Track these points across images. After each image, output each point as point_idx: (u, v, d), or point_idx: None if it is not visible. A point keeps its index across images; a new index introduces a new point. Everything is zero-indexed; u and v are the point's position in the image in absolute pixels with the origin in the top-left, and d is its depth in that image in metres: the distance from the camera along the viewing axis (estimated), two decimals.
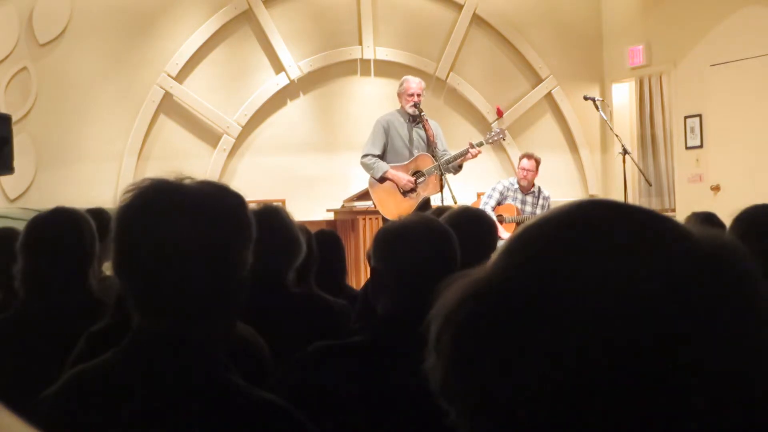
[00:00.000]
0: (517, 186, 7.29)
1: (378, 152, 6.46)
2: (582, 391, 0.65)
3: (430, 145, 6.45)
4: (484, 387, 0.68)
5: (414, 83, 6.53)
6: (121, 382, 1.35)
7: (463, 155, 6.43)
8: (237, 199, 1.41)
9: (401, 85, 6.60)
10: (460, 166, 6.53)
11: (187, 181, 1.40)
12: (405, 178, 6.41)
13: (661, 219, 0.73)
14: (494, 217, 7.19)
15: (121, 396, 1.34)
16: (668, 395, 0.65)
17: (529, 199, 7.28)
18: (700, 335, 0.66)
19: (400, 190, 6.45)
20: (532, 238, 0.72)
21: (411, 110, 6.45)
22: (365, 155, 6.49)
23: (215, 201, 1.38)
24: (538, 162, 7.28)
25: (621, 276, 0.67)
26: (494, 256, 0.74)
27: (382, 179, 6.44)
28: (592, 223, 0.71)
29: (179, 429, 1.31)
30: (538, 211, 7.21)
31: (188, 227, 1.34)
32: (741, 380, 0.66)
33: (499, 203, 7.25)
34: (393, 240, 1.98)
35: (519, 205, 7.24)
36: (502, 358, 0.67)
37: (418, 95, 6.47)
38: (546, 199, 7.31)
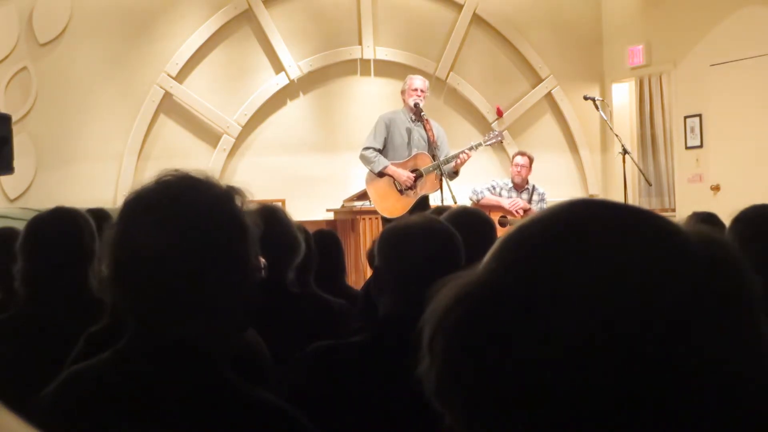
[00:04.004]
0: (511, 185, 7.30)
1: (379, 146, 6.48)
2: (575, 391, 0.65)
3: (431, 145, 6.46)
4: (477, 390, 0.68)
5: (418, 80, 6.59)
6: (118, 382, 1.35)
7: (454, 159, 6.43)
8: (223, 197, 1.39)
9: (405, 82, 6.64)
10: (456, 172, 6.53)
11: (171, 180, 1.38)
12: (405, 174, 6.41)
13: (651, 217, 0.73)
14: (488, 194, 7.23)
15: (118, 396, 1.34)
16: (662, 393, 0.65)
17: (524, 196, 7.28)
18: (691, 332, 0.66)
19: (397, 188, 6.45)
20: (522, 240, 0.72)
21: (412, 102, 6.47)
22: (366, 148, 6.50)
23: (199, 202, 1.37)
24: (531, 159, 7.30)
25: (611, 276, 0.67)
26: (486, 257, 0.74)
27: (381, 174, 6.45)
28: (581, 224, 0.71)
29: (177, 429, 1.31)
30: (534, 207, 7.21)
31: (167, 230, 1.33)
32: (733, 376, 0.67)
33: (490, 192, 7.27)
34: (397, 240, 1.98)
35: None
36: (494, 361, 0.67)
37: (422, 91, 6.52)
38: (541, 195, 7.31)
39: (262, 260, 1.46)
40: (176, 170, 1.40)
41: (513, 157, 7.44)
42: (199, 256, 1.33)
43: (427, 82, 6.67)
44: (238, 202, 1.40)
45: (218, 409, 1.32)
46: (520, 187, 7.30)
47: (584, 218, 0.72)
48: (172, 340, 1.34)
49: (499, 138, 7.00)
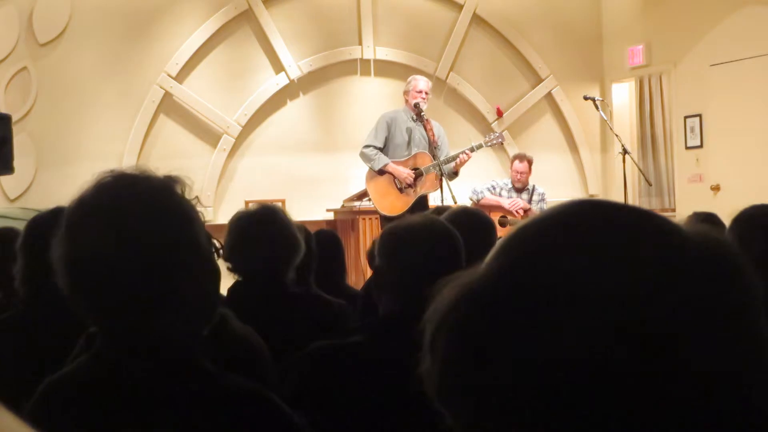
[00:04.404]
0: (511, 186, 7.30)
1: (380, 145, 6.49)
2: (576, 391, 0.65)
3: (431, 145, 6.47)
4: (478, 390, 0.68)
5: (422, 82, 6.60)
6: (96, 385, 1.35)
7: (454, 159, 6.43)
8: (161, 188, 1.37)
9: (409, 83, 6.64)
10: (456, 172, 6.53)
11: (108, 181, 1.37)
12: (405, 171, 6.42)
13: (651, 216, 0.73)
14: (488, 194, 7.24)
15: (98, 399, 1.33)
16: (662, 392, 0.65)
17: (524, 196, 7.29)
18: (690, 331, 0.66)
19: (397, 186, 6.46)
20: (523, 240, 0.72)
21: (413, 102, 6.48)
22: (367, 146, 6.51)
23: (138, 197, 1.36)
24: (530, 162, 7.29)
25: (612, 275, 0.67)
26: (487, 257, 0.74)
27: (381, 172, 6.46)
28: (582, 223, 0.71)
29: (161, 424, 1.31)
30: (534, 208, 7.21)
31: (113, 232, 1.32)
32: (731, 375, 0.67)
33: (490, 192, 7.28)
34: (398, 240, 1.98)
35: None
36: (495, 361, 0.67)
37: (426, 93, 6.54)
38: (541, 195, 7.31)
39: (216, 242, 1.45)
40: (111, 170, 1.40)
41: (511, 161, 7.42)
42: (149, 250, 1.32)
43: (430, 84, 6.69)
44: (178, 190, 1.39)
45: (198, 399, 1.32)
46: (520, 190, 7.30)
47: (585, 219, 0.72)
48: (142, 337, 1.33)
49: (501, 140, 7.01)
